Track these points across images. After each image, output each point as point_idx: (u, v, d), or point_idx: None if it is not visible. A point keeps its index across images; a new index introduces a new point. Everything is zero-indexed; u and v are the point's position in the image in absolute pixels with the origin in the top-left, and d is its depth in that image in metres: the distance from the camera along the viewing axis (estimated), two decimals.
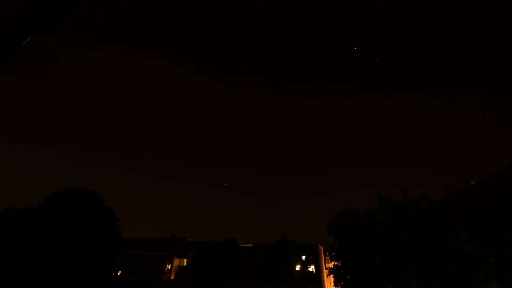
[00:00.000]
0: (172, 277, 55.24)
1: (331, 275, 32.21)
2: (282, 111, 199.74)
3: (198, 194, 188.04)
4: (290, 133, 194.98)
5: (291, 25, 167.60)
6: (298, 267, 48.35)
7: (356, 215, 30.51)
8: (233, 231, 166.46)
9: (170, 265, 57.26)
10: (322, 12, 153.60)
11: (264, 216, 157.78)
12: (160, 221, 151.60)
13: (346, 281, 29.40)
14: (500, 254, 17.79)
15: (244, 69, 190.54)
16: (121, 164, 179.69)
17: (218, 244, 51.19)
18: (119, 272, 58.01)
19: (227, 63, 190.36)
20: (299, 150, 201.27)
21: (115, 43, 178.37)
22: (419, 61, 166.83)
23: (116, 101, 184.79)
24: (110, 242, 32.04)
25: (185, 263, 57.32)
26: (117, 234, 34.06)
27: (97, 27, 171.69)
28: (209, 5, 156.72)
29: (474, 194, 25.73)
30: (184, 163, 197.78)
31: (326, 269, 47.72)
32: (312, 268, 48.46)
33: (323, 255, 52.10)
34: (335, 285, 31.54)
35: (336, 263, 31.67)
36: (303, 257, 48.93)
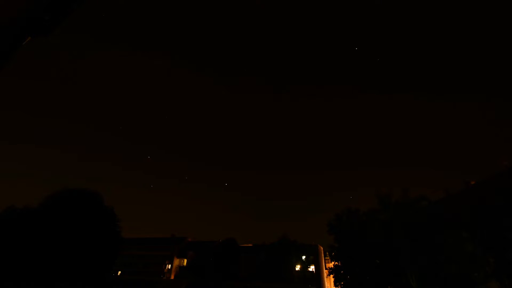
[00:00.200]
0: (172, 277, 55.25)
1: (331, 275, 32.21)
2: (282, 111, 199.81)
3: (198, 194, 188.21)
4: (290, 133, 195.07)
5: (291, 25, 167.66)
6: (298, 267, 48.36)
7: (356, 215, 30.52)
8: (233, 231, 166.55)
9: (170, 265, 57.27)
10: (322, 12, 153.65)
11: (264, 216, 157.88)
12: (160, 221, 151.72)
13: (346, 281, 29.40)
14: (500, 254, 17.79)
15: (244, 69, 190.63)
16: (121, 164, 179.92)
17: (218, 244, 51.19)
18: (119, 272, 58.02)
19: (227, 63, 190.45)
20: (299, 150, 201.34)
21: (115, 43, 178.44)
22: (419, 61, 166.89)
23: (116, 101, 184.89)
24: (110, 242, 32.04)
25: (185, 263, 57.33)
26: (117, 234, 34.06)
27: (97, 27, 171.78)
28: (209, 5, 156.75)
29: (474, 194, 25.72)
30: (184, 163, 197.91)
31: (326, 269, 47.73)
32: (312, 268, 48.48)
33: (323, 255, 52.12)
34: (335, 285, 31.54)
35: (336, 263, 31.67)
36: (303, 257, 48.94)
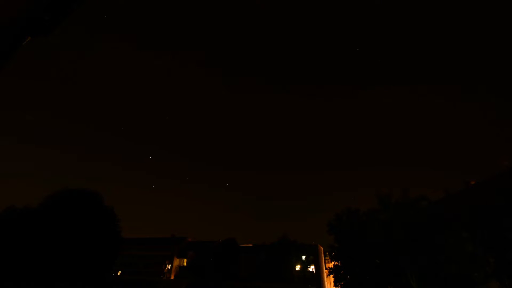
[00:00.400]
0: (172, 277, 55.25)
1: (331, 275, 32.21)
2: (282, 111, 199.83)
3: (198, 194, 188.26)
4: (290, 133, 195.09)
5: (292, 25, 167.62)
6: (298, 267, 48.36)
7: (356, 215, 30.53)
8: (233, 231, 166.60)
9: (170, 265, 57.27)
10: (323, 12, 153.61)
11: (264, 216, 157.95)
12: (161, 221, 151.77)
13: (346, 281, 29.40)
14: (500, 254, 17.79)
15: (244, 70, 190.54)
16: (122, 164, 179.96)
17: (218, 244, 51.20)
18: (119, 272, 58.03)
19: (227, 63, 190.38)
20: (299, 150, 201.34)
21: (114, 43, 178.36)
22: (419, 61, 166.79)
23: (117, 102, 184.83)
24: (110, 242, 32.05)
25: (185, 263, 57.33)
26: (117, 234, 34.08)
27: (98, 26, 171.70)
28: (209, 5, 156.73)
29: (474, 194, 25.73)
30: (185, 163, 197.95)
31: (326, 269, 47.73)
32: (312, 268, 48.47)
33: (323, 255, 52.11)
34: (335, 285, 31.54)
35: (336, 263, 31.66)
36: (303, 257, 48.94)
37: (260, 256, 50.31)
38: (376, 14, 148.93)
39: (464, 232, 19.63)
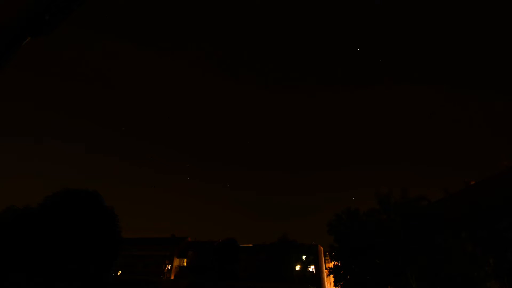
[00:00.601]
0: (172, 277, 55.28)
1: (331, 275, 32.23)
2: (282, 111, 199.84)
3: (198, 194, 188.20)
4: (290, 133, 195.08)
5: (293, 26, 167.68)
6: (298, 267, 48.39)
7: (356, 215, 30.57)
8: (233, 231, 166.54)
9: (170, 265, 57.30)
10: (324, 13, 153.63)
11: (264, 215, 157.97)
12: (161, 221, 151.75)
13: (346, 281, 29.42)
14: (500, 254, 17.80)
15: (244, 70, 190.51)
16: (123, 164, 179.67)
17: (218, 244, 51.22)
18: (119, 272, 58.04)
19: (227, 63, 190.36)
20: (299, 150, 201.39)
21: (114, 42, 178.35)
22: (419, 61, 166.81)
23: (117, 101, 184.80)
24: (110, 242, 32.06)
25: (185, 263, 57.36)
26: (117, 234, 34.09)
27: (99, 26, 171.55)
28: (209, 5, 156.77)
29: (474, 194, 25.75)
30: (185, 163, 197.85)
31: (326, 269, 47.74)
32: (312, 268, 48.50)
33: (323, 255, 52.15)
34: (335, 285, 31.55)
35: (336, 263, 31.69)
36: (303, 257, 48.96)
37: (260, 256, 50.37)
38: (377, 14, 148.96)
39: (464, 232, 19.64)
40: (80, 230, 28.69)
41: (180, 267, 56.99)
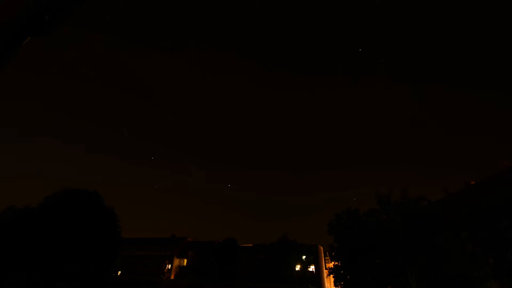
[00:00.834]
0: (172, 277, 55.28)
1: (331, 275, 32.25)
2: (282, 111, 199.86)
3: (199, 194, 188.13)
4: (291, 133, 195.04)
5: (293, 27, 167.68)
6: (298, 267, 48.39)
7: (356, 215, 30.58)
8: (233, 231, 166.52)
9: (170, 265, 57.30)
10: (324, 13, 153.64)
11: (264, 216, 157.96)
12: (161, 221, 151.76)
13: (346, 281, 29.42)
14: (500, 254, 17.80)
15: (245, 70, 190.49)
16: (124, 165, 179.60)
17: (218, 244, 51.25)
18: (119, 272, 58.05)
19: (228, 63, 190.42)
20: (299, 150, 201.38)
21: (115, 42, 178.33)
22: (420, 61, 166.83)
23: (118, 102, 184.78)
24: (110, 242, 32.08)
25: (185, 263, 57.37)
26: (117, 234, 34.11)
27: (99, 26, 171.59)
28: (209, 5, 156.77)
29: (474, 194, 25.75)
30: (185, 163, 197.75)
31: (326, 269, 47.75)
32: (312, 268, 48.50)
33: (323, 255, 52.16)
34: (335, 285, 31.56)
35: (336, 263, 31.70)
36: (303, 257, 48.97)
37: (260, 256, 50.38)
38: (377, 15, 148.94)
39: (464, 232, 19.64)
40: (80, 230, 28.70)
41: (180, 267, 57.00)
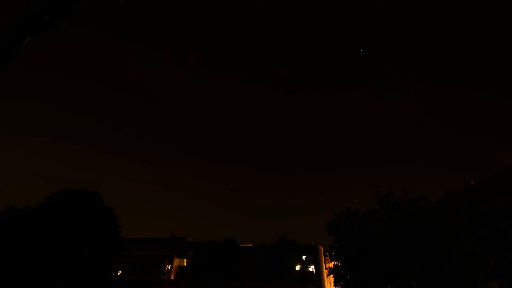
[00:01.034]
0: (172, 277, 55.27)
1: (331, 275, 32.24)
2: (282, 111, 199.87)
3: (199, 194, 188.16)
4: (291, 133, 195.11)
5: (293, 27, 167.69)
6: (298, 267, 48.36)
7: (356, 215, 30.59)
8: (233, 231, 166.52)
9: (170, 265, 57.28)
10: (325, 14, 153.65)
11: (264, 216, 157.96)
12: (161, 221, 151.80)
13: (346, 281, 29.42)
14: (499, 254, 17.80)
15: (245, 70, 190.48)
16: (124, 165, 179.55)
17: (218, 244, 51.23)
18: (119, 272, 58.05)
19: (229, 63, 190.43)
20: (299, 150, 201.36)
21: (116, 42, 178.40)
22: (420, 61, 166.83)
23: (118, 102, 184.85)
24: (110, 242, 32.11)
25: (185, 263, 57.34)
26: (117, 234, 34.15)
27: (101, 24, 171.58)
28: (209, 5, 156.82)
29: (474, 194, 25.76)
30: (185, 164, 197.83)
31: (326, 269, 47.74)
32: (312, 268, 48.47)
33: (323, 255, 52.11)
34: (335, 285, 31.57)
35: (336, 263, 31.71)
36: (303, 257, 48.93)
37: (260, 256, 50.35)
38: (378, 15, 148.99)
39: (464, 232, 19.64)
40: (80, 230, 28.72)
41: (180, 267, 56.97)
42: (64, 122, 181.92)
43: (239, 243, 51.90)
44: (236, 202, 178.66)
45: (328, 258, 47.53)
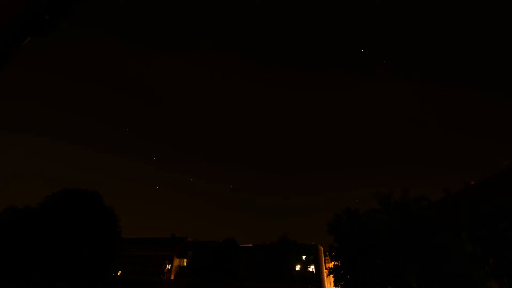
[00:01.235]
0: (172, 277, 55.28)
1: (331, 275, 32.24)
2: (283, 111, 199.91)
3: (199, 194, 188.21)
4: (291, 133, 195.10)
5: (294, 27, 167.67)
6: (298, 267, 48.36)
7: (356, 215, 30.59)
8: (233, 231, 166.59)
9: (170, 265, 57.29)
10: (326, 14, 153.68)
11: (264, 216, 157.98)
12: (161, 221, 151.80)
13: (346, 281, 29.42)
14: (499, 254, 17.80)
15: (245, 71, 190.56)
16: (124, 164, 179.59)
17: (218, 244, 51.25)
18: (119, 272, 58.06)
19: (228, 63, 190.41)
20: (299, 150, 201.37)
21: (116, 42, 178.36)
22: (420, 62, 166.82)
23: (119, 102, 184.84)
24: (110, 242, 32.11)
25: (185, 263, 57.35)
26: (117, 234, 34.15)
27: (101, 24, 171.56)
28: (210, 5, 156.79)
29: (474, 194, 25.76)
30: (185, 164, 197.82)
31: (326, 269, 47.73)
32: (312, 268, 48.46)
33: (323, 255, 52.11)
34: (335, 285, 31.57)
35: (336, 263, 31.70)
36: (303, 257, 48.93)
37: (260, 256, 50.35)
38: (378, 15, 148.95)
39: (464, 232, 19.63)
40: (80, 230, 28.72)
41: (180, 267, 56.97)
42: (64, 122, 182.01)
43: (239, 243, 51.92)
44: (236, 202, 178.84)
45: (328, 258, 47.52)
